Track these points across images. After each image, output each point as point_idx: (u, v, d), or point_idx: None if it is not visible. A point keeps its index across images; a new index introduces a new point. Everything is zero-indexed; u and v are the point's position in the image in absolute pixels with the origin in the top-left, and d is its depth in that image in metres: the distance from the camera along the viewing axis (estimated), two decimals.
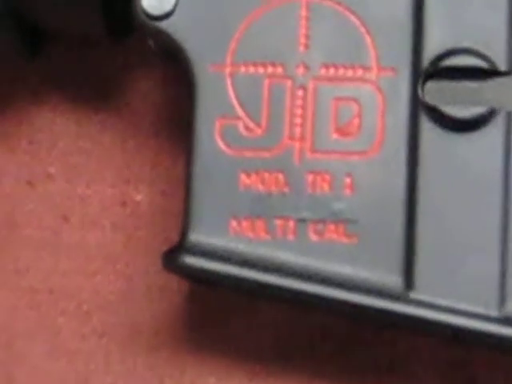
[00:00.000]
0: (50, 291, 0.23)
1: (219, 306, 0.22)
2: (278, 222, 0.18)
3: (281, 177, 0.18)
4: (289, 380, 0.22)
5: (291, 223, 0.18)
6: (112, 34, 0.21)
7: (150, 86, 0.24)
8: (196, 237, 0.18)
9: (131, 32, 0.21)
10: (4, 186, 0.24)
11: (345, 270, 0.18)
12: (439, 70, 0.18)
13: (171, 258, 0.19)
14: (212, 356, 0.22)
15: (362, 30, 0.18)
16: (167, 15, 0.19)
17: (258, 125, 0.18)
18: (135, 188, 0.24)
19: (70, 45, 0.23)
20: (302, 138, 0.18)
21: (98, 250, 0.23)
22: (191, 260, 0.18)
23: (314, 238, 0.18)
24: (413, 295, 0.18)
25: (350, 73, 0.18)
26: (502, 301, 0.18)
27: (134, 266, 0.23)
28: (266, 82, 0.19)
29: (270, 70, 0.19)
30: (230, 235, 0.18)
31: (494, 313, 0.17)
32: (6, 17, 0.20)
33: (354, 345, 0.22)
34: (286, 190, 0.18)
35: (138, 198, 0.23)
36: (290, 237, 0.18)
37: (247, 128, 0.18)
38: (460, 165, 0.18)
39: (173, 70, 0.22)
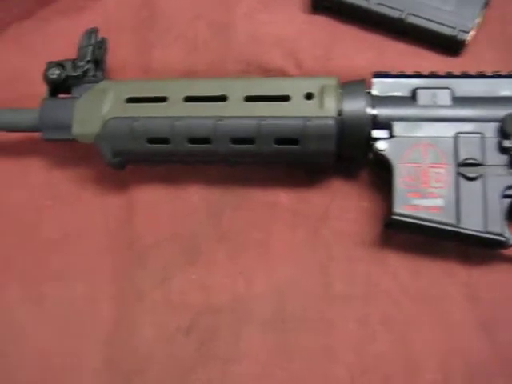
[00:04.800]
0: None
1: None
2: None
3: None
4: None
5: None
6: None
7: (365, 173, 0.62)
8: (397, 209, 0.55)
9: None
10: None
11: None
12: None
13: (390, 220, 0.55)
14: None
15: None
16: (384, 150, 0.57)
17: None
18: (362, 198, 0.61)
19: None
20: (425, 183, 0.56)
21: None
22: (399, 220, 0.55)
23: None
24: None
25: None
26: None
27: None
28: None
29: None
30: (406, 210, 0.55)
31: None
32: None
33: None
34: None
35: (365, 204, 0.61)
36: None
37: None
38: None
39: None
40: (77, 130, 0.60)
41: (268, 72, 0.65)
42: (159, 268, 0.61)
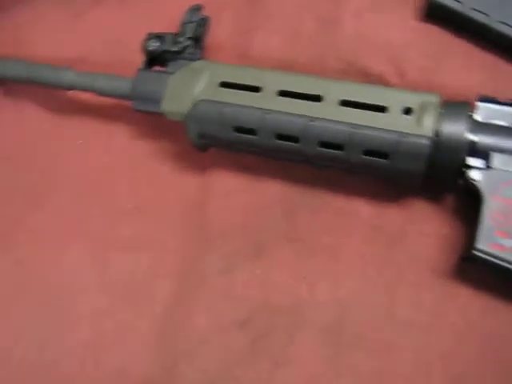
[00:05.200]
0: None
1: None
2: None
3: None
4: None
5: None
6: None
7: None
8: (480, 245, 0.52)
9: None
10: None
11: None
12: None
13: (470, 255, 0.52)
14: None
15: None
16: (478, 180, 0.53)
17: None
18: (443, 224, 0.58)
19: None
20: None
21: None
22: (479, 256, 0.52)
23: None
24: None
25: None
26: None
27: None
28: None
29: None
30: (490, 248, 0.52)
31: None
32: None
33: None
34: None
35: (445, 231, 0.58)
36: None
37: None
38: None
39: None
40: (166, 106, 0.59)
41: (367, 76, 0.62)
42: (225, 256, 0.60)
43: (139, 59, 0.62)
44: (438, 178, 0.56)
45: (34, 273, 0.65)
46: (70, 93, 0.68)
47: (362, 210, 0.59)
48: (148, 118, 0.65)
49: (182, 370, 0.58)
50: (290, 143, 0.56)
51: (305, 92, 0.56)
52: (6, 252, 0.66)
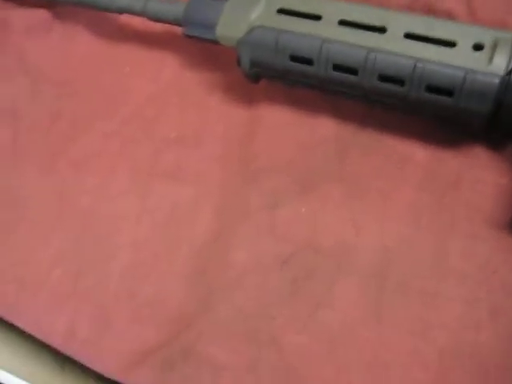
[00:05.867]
0: None
1: None
2: None
3: None
4: None
5: None
6: None
7: None
8: None
9: None
10: None
11: None
12: None
13: None
14: None
15: None
16: None
17: None
18: (503, 174, 0.54)
19: None
20: None
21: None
22: None
23: None
24: None
25: None
26: None
27: None
28: None
29: None
30: None
31: None
32: None
33: None
34: None
35: (505, 182, 0.54)
36: None
37: None
38: None
39: None
40: (221, 30, 0.56)
41: (434, 12, 0.58)
42: (269, 192, 0.58)
43: None
44: (505, 122, 0.52)
45: (75, 200, 0.64)
46: (120, 18, 0.66)
47: (416, 154, 0.56)
48: (198, 48, 0.63)
49: (217, 306, 0.57)
50: (348, 75, 0.53)
51: (367, 23, 0.53)
52: (47, 180, 0.66)
